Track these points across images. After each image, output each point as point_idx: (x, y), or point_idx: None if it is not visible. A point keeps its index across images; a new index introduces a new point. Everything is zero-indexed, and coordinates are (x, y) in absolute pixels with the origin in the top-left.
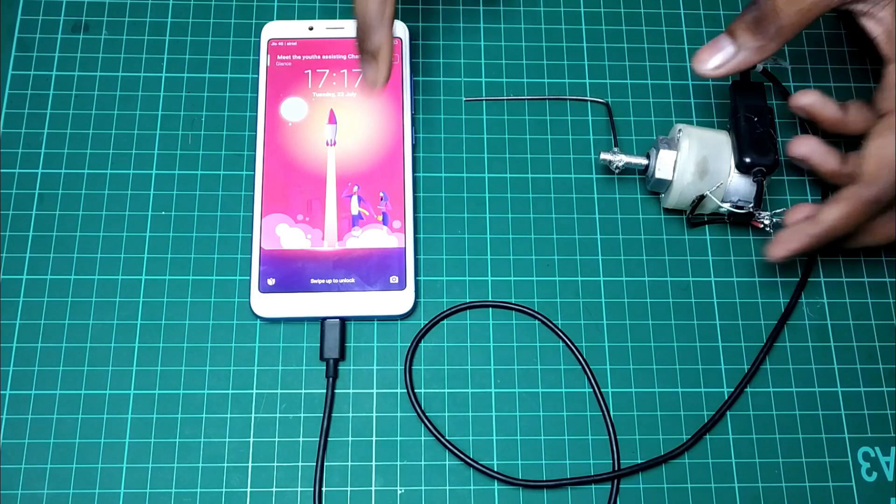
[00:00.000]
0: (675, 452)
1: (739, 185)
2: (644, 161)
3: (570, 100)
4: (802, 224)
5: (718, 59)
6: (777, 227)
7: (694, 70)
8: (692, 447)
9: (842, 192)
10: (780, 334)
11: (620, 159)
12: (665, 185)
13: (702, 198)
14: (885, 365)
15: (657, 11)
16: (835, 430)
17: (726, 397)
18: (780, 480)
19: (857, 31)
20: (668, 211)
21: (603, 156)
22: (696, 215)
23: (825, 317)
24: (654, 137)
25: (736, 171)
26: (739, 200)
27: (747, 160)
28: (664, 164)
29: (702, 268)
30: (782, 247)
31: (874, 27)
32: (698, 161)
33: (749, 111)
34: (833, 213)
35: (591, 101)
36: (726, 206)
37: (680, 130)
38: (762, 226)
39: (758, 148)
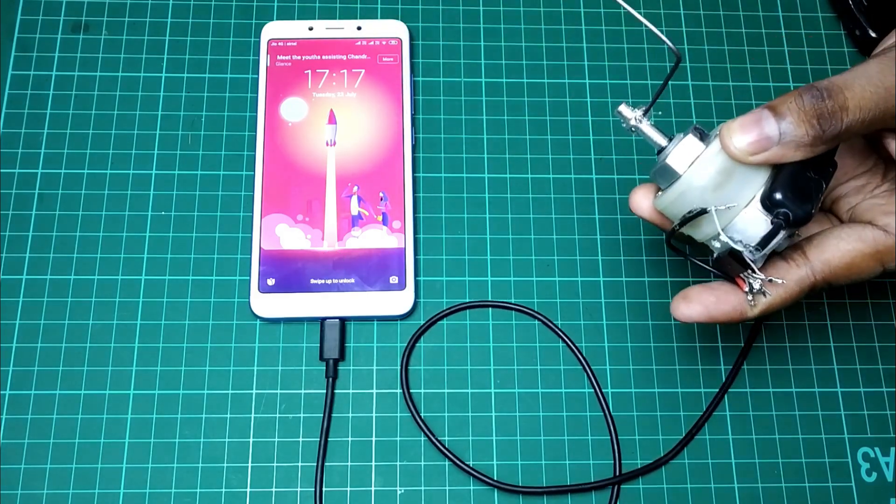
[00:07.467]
0: (674, 451)
1: (750, 225)
2: (663, 141)
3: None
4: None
5: (754, 139)
6: (761, 294)
7: (722, 144)
8: (694, 439)
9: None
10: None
11: (638, 121)
12: (670, 176)
13: (702, 213)
14: (885, 365)
15: (657, 12)
16: (834, 431)
17: (725, 397)
18: (779, 481)
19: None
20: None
21: (622, 108)
22: (682, 235)
23: (825, 317)
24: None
25: (758, 204)
26: (740, 243)
27: (777, 196)
28: (683, 153)
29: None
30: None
31: None
32: (724, 168)
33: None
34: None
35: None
36: (723, 240)
37: (721, 129)
38: (747, 288)
39: (797, 191)
